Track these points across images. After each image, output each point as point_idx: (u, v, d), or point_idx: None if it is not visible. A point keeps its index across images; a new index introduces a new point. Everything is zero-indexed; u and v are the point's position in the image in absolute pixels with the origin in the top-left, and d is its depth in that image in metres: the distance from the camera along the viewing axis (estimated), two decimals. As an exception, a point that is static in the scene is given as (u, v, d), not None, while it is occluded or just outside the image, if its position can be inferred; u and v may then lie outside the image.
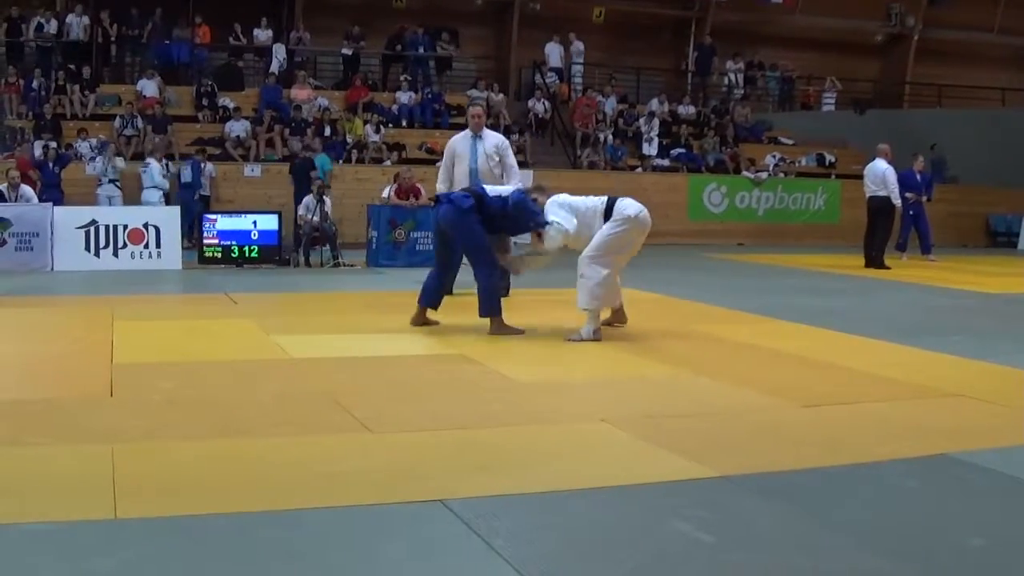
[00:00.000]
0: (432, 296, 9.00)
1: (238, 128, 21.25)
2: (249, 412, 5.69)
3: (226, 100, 22.66)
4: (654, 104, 25.73)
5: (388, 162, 21.30)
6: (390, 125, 23.08)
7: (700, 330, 9.08)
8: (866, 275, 15.48)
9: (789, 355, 7.88)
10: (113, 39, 23.61)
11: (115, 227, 14.82)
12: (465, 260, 9.07)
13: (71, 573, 3.39)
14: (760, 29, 29.28)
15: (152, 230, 14.92)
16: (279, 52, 24.18)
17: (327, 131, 21.80)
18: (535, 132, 24.49)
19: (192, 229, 16.72)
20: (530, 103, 25.19)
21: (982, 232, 25.78)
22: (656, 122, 24.94)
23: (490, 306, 8.62)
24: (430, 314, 9.02)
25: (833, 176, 25.18)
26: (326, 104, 22.94)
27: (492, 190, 8.85)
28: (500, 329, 8.59)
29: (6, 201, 14.80)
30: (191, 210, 17.35)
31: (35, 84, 21.34)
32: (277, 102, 22.64)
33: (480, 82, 25.12)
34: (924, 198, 18.91)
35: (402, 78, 24.83)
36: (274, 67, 23.73)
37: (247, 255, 15.24)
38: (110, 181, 18.39)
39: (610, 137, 24.43)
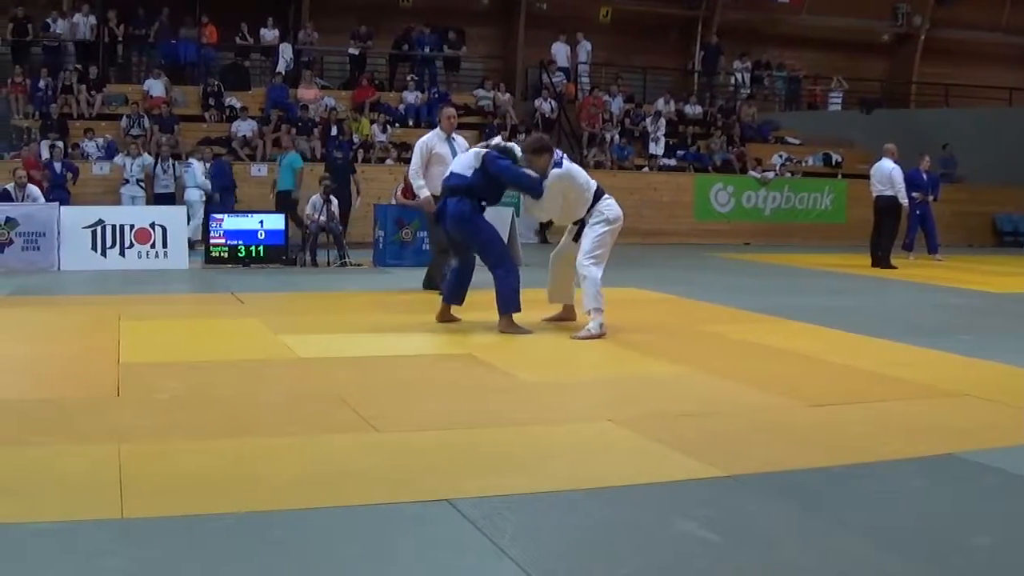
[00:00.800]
0: (455, 292, 9.05)
1: (245, 128, 21.26)
2: (256, 412, 5.70)
3: (233, 100, 22.68)
4: (660, 104, 25.71)
5: (390, 160, 21.32)
6: (397, 125, 23.09)
7: (706, 330, 9.08)
8: (873, 275, 15.46)
9: (795, 355, 7.87)
10: (120, 39, 23.61)
11: (122, 227, 14.83)
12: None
13: (78, 573, 3.39)
14: (767, 29, 29.24)
15: (159, 230, 14.94)
16: (286, 52, 24.19)
17: (334, 131, 21.79)
18: (542, 132, 24.41)
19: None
20: (536, 103, 25.18)
21: (989, 232, 25.71)
22: (663, 122, 24.91)
23: (509, 304, 8.67)
24: (454, 310, 9.06)
25: (840, 176, 25.14)
26: (333, 104, 22.95)
27: (466, 170, 8.82)
28: (509, 327, 8.61)
29: (13, 201, 14.82)
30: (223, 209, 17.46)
31: (42, 84, 21.37)
32: (284, 102, 22.66)
33: (487, 82, 25.15)
34: (931, 198, 18.87)
35: (409, 78, 24.82)
36: (281, 67, 23.75)
37: (254, 255, 15.24)
38: (136, 182, 18.44)
39: (616, 137, 24.41)
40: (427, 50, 25.66)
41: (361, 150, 21.50)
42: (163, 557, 3.51)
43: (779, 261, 17.91)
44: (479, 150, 8.99)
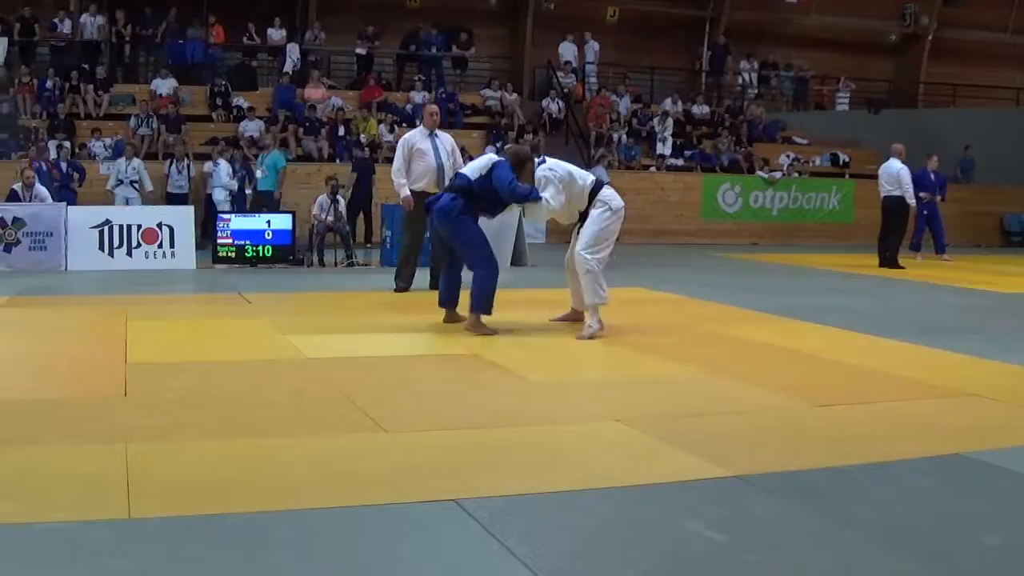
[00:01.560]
0: (448, 295, 9.03)
1: (252, 128, 21.26)
2: (263, 412, 5.70)
3: (240, 100, 22.68)
4: (668, 104, 25.68)
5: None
6: (404, 125, 23.04)
7: (714, 330, 9.07)
8: (880, 275, 15.44)
9: (803, 354, 7.86)
10: (127, 39, 23.65)
11: (129, 227, 14.84)
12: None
13: (85, 573, 3.39)
14: (774, 29, 29.22)
15: (166, 230, 14.94)
16: (293, 52, 24.20)
17: (341, 131, 21.82)
18: (549, 132, 24.47)
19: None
20: (544, 103, 25.17)
21: (996, 232, 25.69)
22: (670, 122, 24.90)
23: (482, 304, 8.57)
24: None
25: (847, 176, 25.13)
26: (340, 104, 22.96)
27: (473, 173, 8.78)
28: (476, 326, 8.55)
29: (20, 201, 14.84)
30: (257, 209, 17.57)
31: (49, 84, 21.40)
32: (291, 102, 22.68)
33: (494, 82, 25.15)
34: (938, 198, 18.85)
35: (416, 78, 24.84)
36: (288, 67, 23.75)
37: (261, 255, 15.25)
38: (130, 183, 18.46)
39: (624, 137, 24.40)
40: (434, 50, 25.67)
41: (367, 149, 21.50)
42: (170, 557, 3.51)
43: (787, 261, 17.90)
44: (493, 156, 9.01)
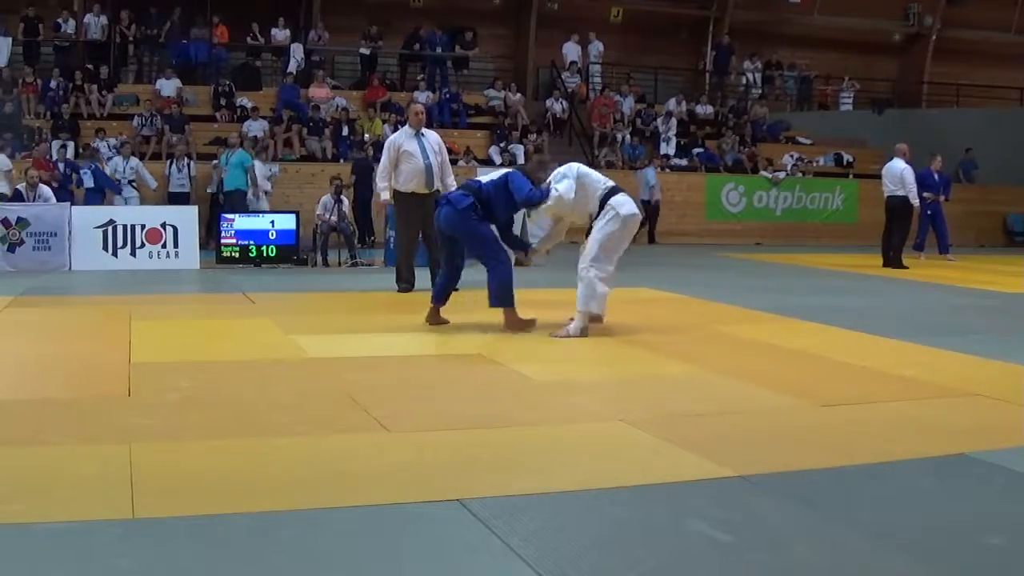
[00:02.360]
0: (441, 291, 9.04)
1: (256, 128, 21.26)
2: (267, 411, 5.70)
3: (244, 100, 22.70)
4: (672, 104, 25.70)
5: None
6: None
7: (718, 329, 9.06)
8: (884, 275, 15.43)
9: (807, 354, 7.86)
10: (131, 39, 23.67)
11: (133, 227, 14.86)
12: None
13: (89, 572, 3.39)
14: (778, 29, 29.20)
15: (170, 230, 14.96)
16: (297, 52, 24.21)
17: (345, 131, 21.82)
18: (553, 132, 24.49)
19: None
20: (548, 103, 25.17)
21: (1000, 231, 25.66)
22: (674, 122, 24.92)
23: (503, 297, 8.60)
24: (442, 312, 9.03)
25: (851, 176, 25.11)
26: (344, 104, 22.97)
27: (485, 178, 8.86)
28: (513, 323, 8.59)
29: (24, 201, 14.85)
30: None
31: (53, 84, 21.43)
32: (295, 102, 22.68)
33: (497, 82, 25.15)
34: (942, 198, 18.83)
35: (420, 78, 24.84)
36: (292, 67, 23.77)
37: (265, 255, 15.26)
38: (128, 182, 18.45)
39: (628, 137, 24.40)
40: (438, 50, 25.67)
41: (371, 148, 21.50)
42: (174, 557, 3.51)
43: (790, 261, 17.90)
44: (508, 170, 9.06)
